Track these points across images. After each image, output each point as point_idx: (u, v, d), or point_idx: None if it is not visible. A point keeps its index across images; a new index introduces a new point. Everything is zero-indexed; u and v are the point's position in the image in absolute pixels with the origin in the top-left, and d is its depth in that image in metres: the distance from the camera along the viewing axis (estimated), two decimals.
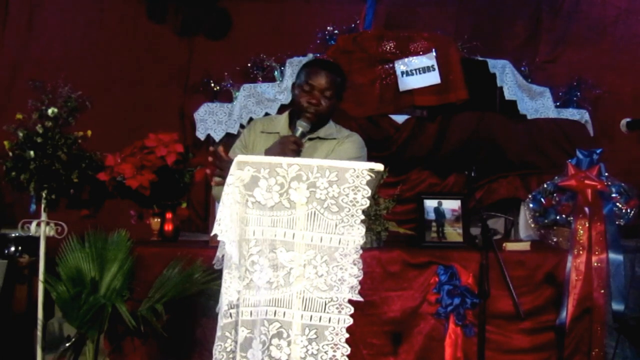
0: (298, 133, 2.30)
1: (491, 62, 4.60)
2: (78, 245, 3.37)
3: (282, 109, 4.36)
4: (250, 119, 4.51)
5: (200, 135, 4.73)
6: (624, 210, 3.73)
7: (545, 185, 3.96)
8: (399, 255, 3.56)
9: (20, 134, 3.47)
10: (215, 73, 5.04)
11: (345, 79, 2.46)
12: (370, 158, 2.49)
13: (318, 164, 1.93)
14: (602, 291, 3.53)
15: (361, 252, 1.95)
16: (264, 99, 4.56)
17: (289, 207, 1.93)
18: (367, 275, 2.05)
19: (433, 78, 4.40)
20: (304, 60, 4.49)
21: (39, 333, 3.52)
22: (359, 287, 1.93)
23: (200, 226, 4.82)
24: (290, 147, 2.23)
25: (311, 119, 2.34)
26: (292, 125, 2.41)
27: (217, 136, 4.72)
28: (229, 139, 4.35)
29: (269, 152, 2.25)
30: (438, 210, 4.05)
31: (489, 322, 3.13)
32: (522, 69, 4.85)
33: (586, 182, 3.70)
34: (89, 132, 3.59)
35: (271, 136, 2.40)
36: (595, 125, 4.80)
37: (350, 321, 1.92)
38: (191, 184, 3.93)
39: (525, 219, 4.20)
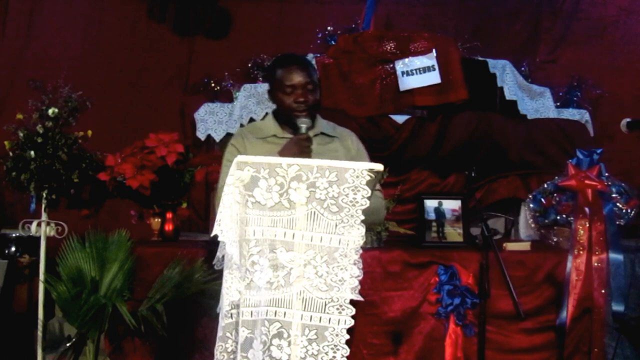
0: (304, 130, 2.35)
1: (491, 62, 4.60)
2: (78, 245, 3.36)
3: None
4: (251, 119, 4.51)
5: (201, 135, 4.74)
6: (624, 210, 3.72)
7: (545, 185, 3.95)
8: (399, 255, 3.56)
9: (21, 134, 3.46)
10: (215, 73, 5.04)
11: (311, 63, 2.53)
12: (370, 158, 2.50)
13: (318, 164, 1.94)
14: (602, 291, 3.52)
15: (361, 252, 1.95)
16: (264, 99, 4.55)
17: (288, 207, 1.93)
18: (367, 275, 2.05)
19: (433, 78, 4.40)
20: None
21: (40, 333, 3.52)
22: (359, 287, 1.93)
23: (200, 226, 4.81)
24: (305, 144, 2.30)
25: (307, 114, 2.40)
26: (282, 125, 2.48)
27: (218, 136, 4.72)
28: (230, 139, 4.35)
29: (283, 153, 2.30)
30: (438, 210, 4.04)
31: (489, 322, 3.12)
32: (522, 69, 4.85)
33: (586, 182, 3.70)
34: (90, 132, 3.59)
35: (267, 140, 2.46)
36: (595, 125, 4.80)
37: (351, 322, 1.92)
38: (191, 184, 3.92)
39: (525, 219, 4.19)
